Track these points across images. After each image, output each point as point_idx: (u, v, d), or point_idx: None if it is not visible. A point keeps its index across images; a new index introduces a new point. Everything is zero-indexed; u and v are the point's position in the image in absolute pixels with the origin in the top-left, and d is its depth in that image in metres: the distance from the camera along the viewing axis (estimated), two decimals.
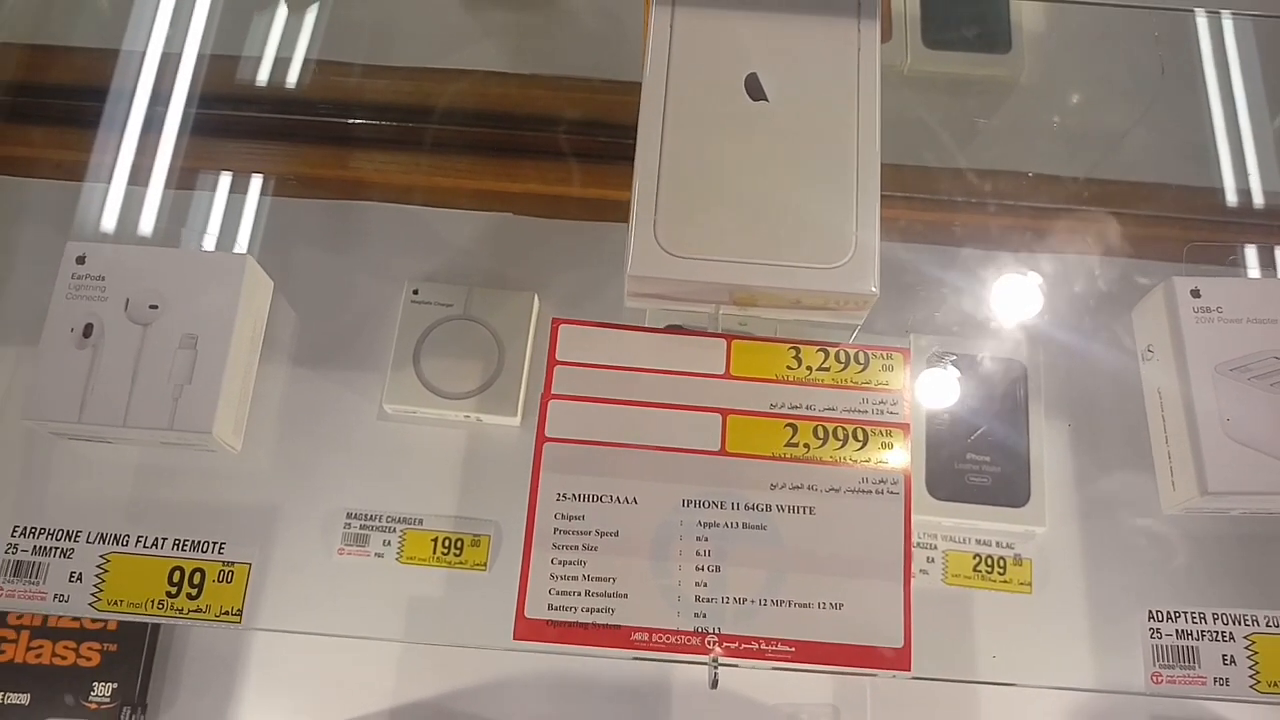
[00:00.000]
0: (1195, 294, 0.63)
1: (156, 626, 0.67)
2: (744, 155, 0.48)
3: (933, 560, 0.65)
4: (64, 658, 0.67)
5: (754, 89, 0.49)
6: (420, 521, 0.65)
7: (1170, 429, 0.64)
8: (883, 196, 0.49)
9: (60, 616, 0.67)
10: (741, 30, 0.49)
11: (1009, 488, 0.66)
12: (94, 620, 0.67)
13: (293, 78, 0.79)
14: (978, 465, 0.66)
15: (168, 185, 0.73)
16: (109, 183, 0.72)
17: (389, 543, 0.65)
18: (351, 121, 0.78)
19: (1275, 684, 0.55)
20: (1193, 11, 0.80)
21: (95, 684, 0.66)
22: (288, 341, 0.69)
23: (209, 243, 0.71)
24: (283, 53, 0.79)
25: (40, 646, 0.67)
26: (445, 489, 0.67)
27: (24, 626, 0.67)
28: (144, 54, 0.77)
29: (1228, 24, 0.80)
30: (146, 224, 0.71)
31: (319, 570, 0.64)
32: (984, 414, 0.68)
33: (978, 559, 0.65)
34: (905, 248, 0.73)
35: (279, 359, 0.69)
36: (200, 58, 0.77)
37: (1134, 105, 0.80)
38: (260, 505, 0.66)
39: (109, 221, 0.71)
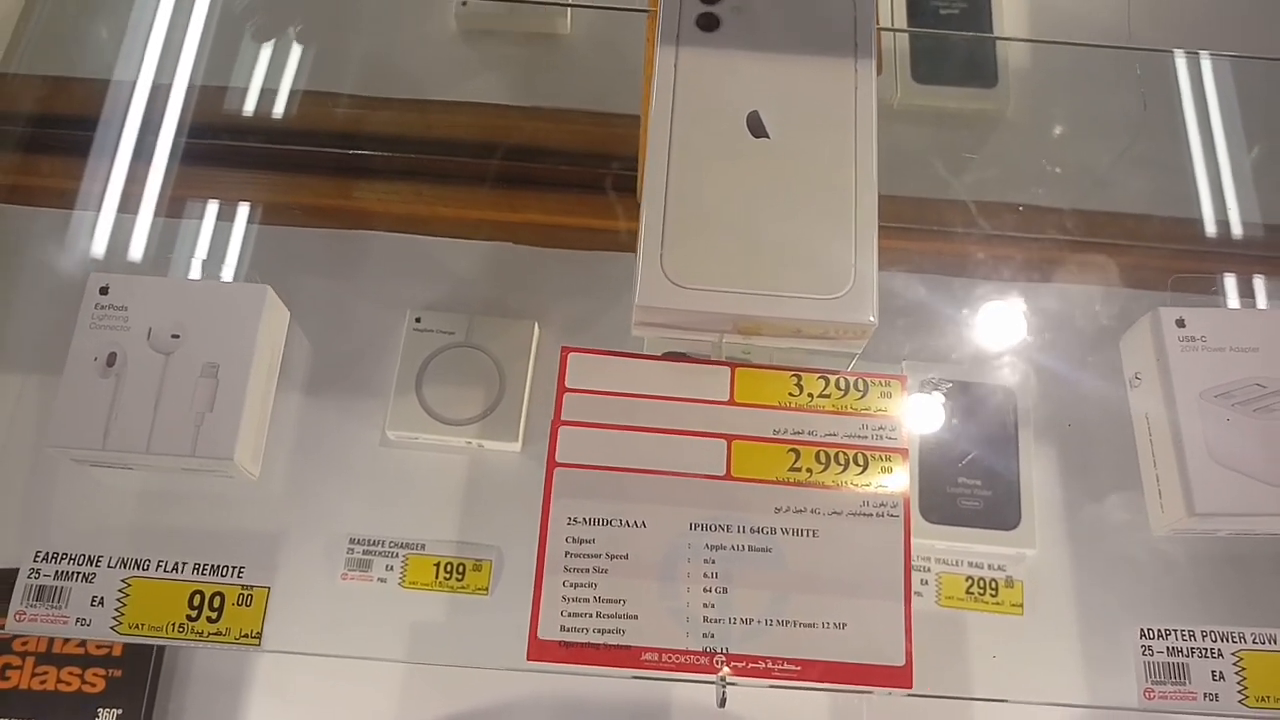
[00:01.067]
0: (1180, 324, 0.65)
1: (162, 651, 0.68)
2: (747, 190, 0.49)
3: (926, 582, 0.66)
4: (69, 684, 0.67)
5: (756, 126, 0.50)
6: (423, 546, 0.66)
7: (1158, 454, 0.65)
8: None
9: (67, 642, 0.67)
10: (743, 70, 0.51)
11: (1000, 511, 0.67)
12: (99, 646, 0.67)
13: (299, 110, 0.80)
14: (970, 489, 0.68)
15: (170, 214, 0.74)
16: (127, 212, 0.74)
17: (391, 568, 0.65)
18: (355, 152, 0.79)
19: (1264, 699, 0.56)
20: (1170, 51, 0.83)
21: (100, 710, 0.66)
22: (292, 369, 0.70)
23: (196, 270, 0.71)
24: (289, 85, 0.81)
25: (45, 672, 0.67)
26: (447, 514, 0.68)
27: (29, 653, 0.67)
28: (151, 86, 0.78)
29: (1205, 64, 0.82)
30: (156, 253, 0.72)
31: (323, 595, 0.65)
32: (975, 439, 0.69)
33: (970, 581, 0.66)
34: (897, 277, 0.74)
35: (283, 386, 0.69)
36: (206, 89, 0.79)
37: (1118, 139, 0.82)
38: (264, 531, 0.66)
39: (121, 251, 0.72)
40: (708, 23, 0.52)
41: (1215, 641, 0.58)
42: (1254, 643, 0.58)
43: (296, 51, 0.82)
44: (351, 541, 0.66)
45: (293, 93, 0.80)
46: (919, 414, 0.69)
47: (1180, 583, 0.67)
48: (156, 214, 0.74)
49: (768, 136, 0.50)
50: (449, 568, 0.65)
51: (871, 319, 0.48)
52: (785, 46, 0.51)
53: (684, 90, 0.50)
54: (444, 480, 0.69)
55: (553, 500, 0.51)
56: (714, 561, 0.50)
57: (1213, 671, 0.57)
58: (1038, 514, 0.67)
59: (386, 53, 0.83)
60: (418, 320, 0.70)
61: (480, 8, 0.82)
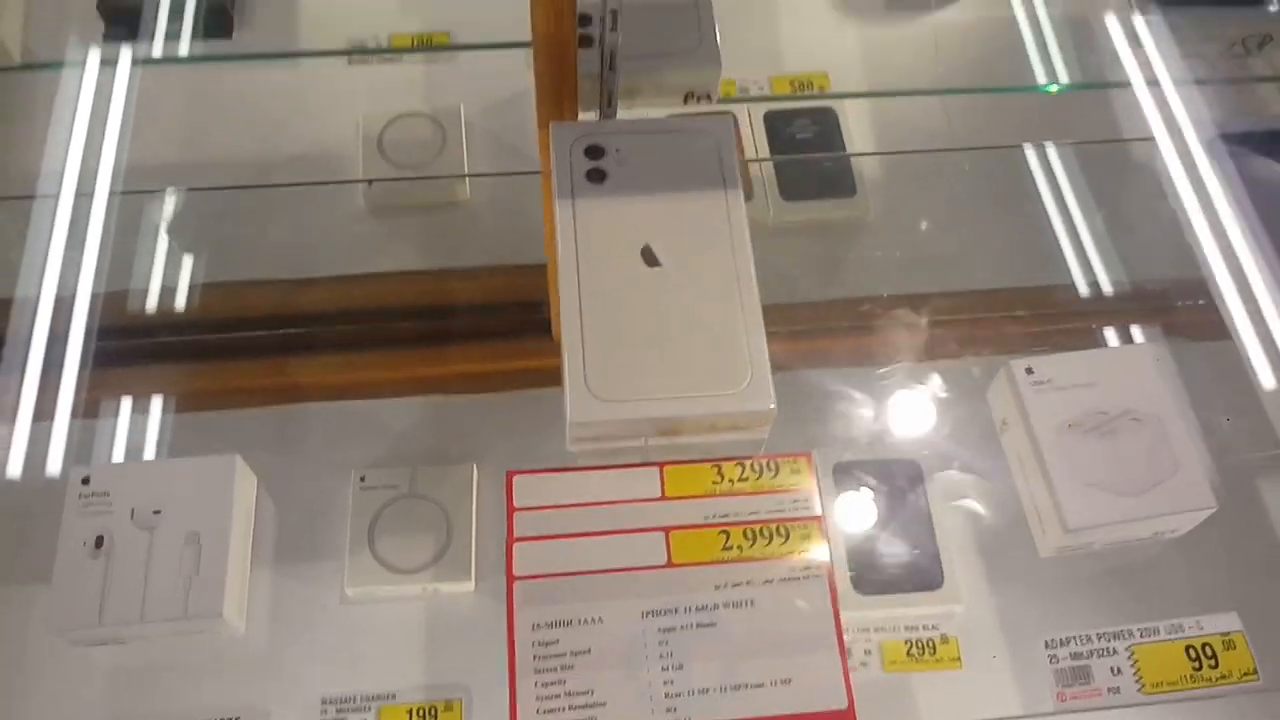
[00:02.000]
0: (1030, 371, 0.73)
1: None
2: (650, 312, 0.55)
3: (870, 652, 0.70)
4: None
5: (649, 257, 0.57)
6: (393, 696, 0.67)
7: (1032, 484, 0.72)
8: (767, 333, 0.56)
9: None
10: (632, 212, 0.58)
11: (924, 573, 0.71)
12: None
13: (227, 301, 0.84)
14: (894, 558, 0.72)
15: (87, 415, 0.77)
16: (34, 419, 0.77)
17: None
18: (284, 332, 0.83)
19: (1158, 685, 0.62)
20: (991, 148, 0.93)
21: None
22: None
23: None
24: (217, 278, 0.85)
25: None
26: (413, 661, 0.69)
27: None
28: (89, 295, 0.82)
29: (1052, 151, 0.93)
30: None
31: None
32: (891, 511, 0.74)
33: (909, 644, 0.70)
34: (798, 375, 0.80)
35: None
36: (136, 292, 0.83)
37: (964, 225, 0.91)
38: (233, 705, 0.67)
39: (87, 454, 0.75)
40: (596, 176, 0.59)
41: (1110, 641, 0.64)
42: (1141, 637, 0.64)
43: (219, 247, 0.86)
44: (324, 702, 0.67)
45: (220, 285, 0.85)
46: (838, 498, 0.74)
47: (1077, 595, 0.71)
48: (103, 415, 0.77)
49: (661, 265, 0.57)
50: (421, 712, 0.67)
51: (771, 406, 0.54)
52: (665, 188, 0.58)
53: (584, 235, 0.57)
54: (406, 629, 0.70)
55: (515, 611, 0.55)
56: (667, 642, 0.54)
57: (1111, 668, 0.62)
58: (958, 569, 0.71)
59: (304, 237, 0.88)
60: (362, 479, 0.73)
61: (386, 186, 0.89)
